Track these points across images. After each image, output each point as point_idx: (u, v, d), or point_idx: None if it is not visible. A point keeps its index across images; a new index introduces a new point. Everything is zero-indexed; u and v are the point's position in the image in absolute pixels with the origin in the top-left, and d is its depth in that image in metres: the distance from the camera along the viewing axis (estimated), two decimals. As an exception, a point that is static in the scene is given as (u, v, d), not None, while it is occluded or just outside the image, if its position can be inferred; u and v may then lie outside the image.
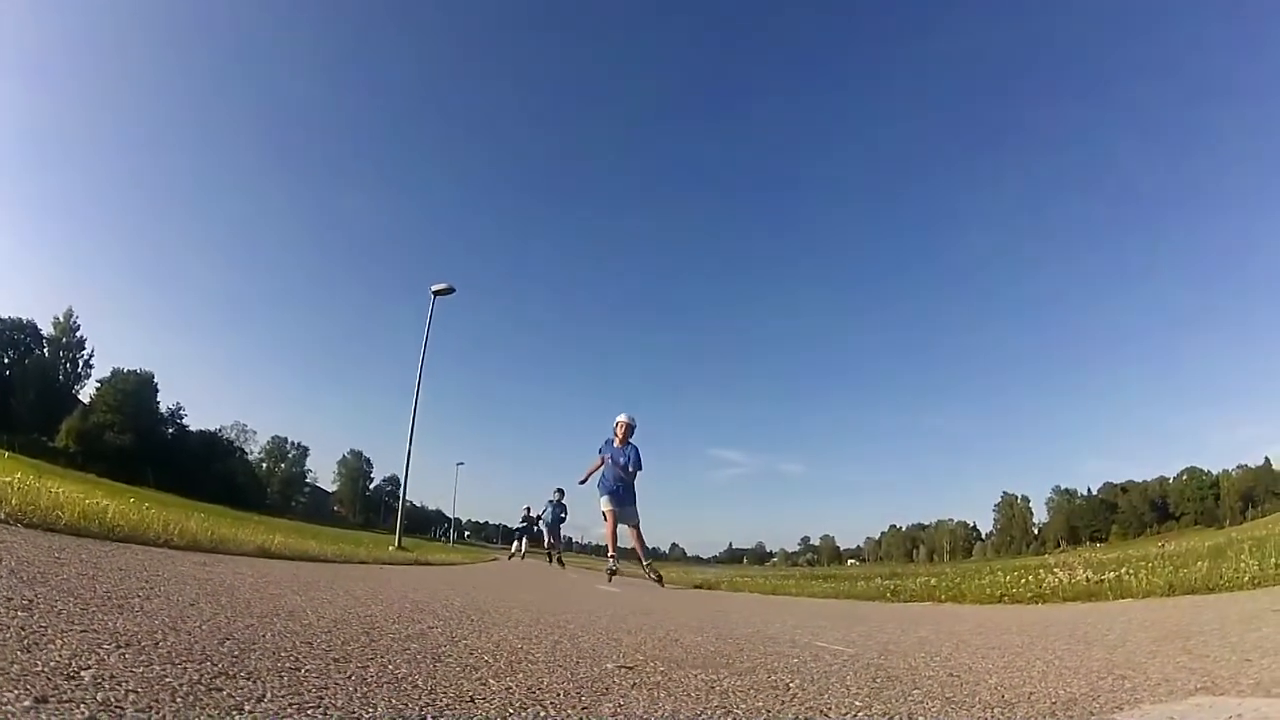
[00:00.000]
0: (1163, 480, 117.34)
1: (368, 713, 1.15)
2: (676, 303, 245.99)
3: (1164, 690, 1.68)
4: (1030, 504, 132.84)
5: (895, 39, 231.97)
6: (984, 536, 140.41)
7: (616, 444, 9.59)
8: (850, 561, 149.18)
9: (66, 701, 0.99)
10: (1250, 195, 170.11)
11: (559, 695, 1.41)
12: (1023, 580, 5.34)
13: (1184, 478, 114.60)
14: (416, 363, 19.96)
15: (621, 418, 9.70)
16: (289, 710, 1.11)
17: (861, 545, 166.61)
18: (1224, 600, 3.55)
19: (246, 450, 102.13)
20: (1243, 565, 4.22)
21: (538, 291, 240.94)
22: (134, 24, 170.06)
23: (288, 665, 1.37)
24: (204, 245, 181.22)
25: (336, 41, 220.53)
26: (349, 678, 1.35)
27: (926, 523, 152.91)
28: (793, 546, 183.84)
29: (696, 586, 9.67)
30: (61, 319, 76.65)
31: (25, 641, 1.24)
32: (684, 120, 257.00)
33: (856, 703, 1.54)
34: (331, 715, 1.12)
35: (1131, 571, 4.84)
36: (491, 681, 1.47)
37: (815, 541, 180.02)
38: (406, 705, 1.22)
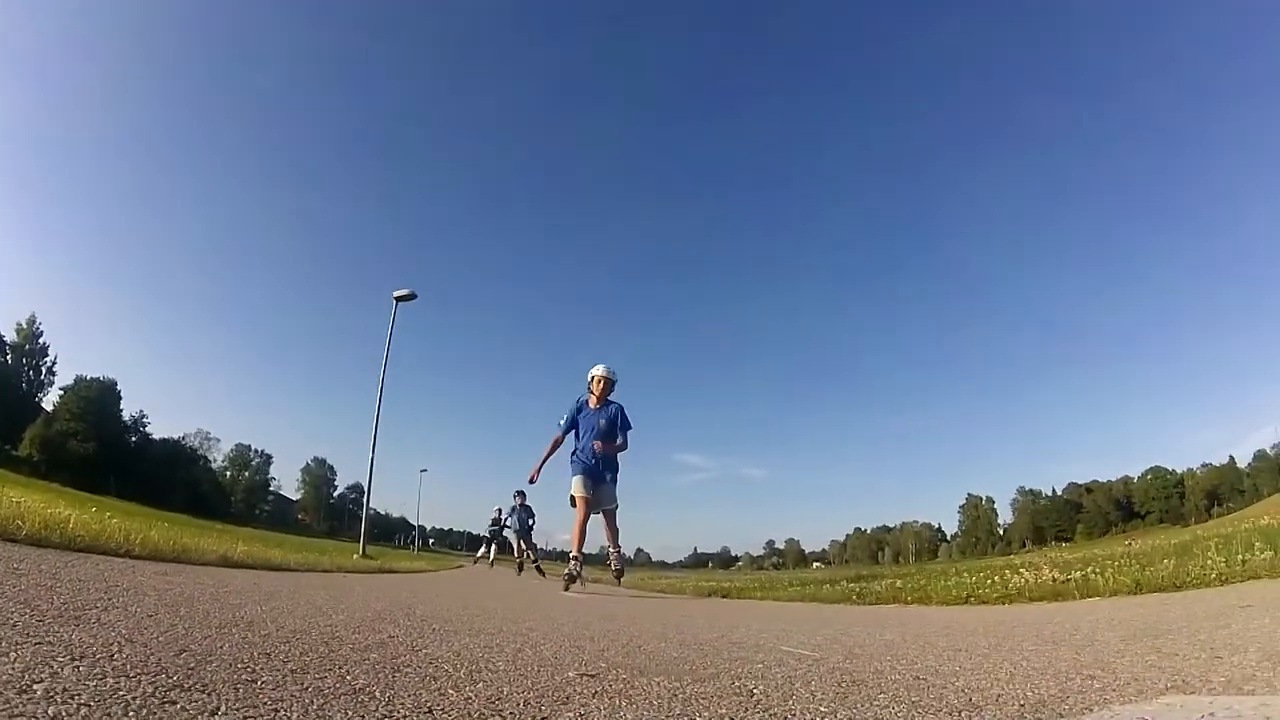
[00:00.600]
0: (1127, 480, 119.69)
1: (324, 724, 1.15)
2: (642, 305, 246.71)
3: (1134, 690, 1.66)
4: (995, 505, 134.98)
5: (895, 38, 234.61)
6: (949, 538, 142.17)
7: (592, 404, 7.61)
8: (815, 564, 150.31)
9: (17, 716, 0.99)
10: (1215, 199, 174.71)
11: (519, 705, 1.41)
12: (989, 581, 5.36)
13: (1149, 477, 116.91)
14: (379, 369, 19.76)
15: (598, 370, 7.67)
16: (244, 723, 1.11)
17: (826, 548, 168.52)
18: (1191, 598, 3.57)
19: (210, 458, 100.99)
20: (1209, 562, 4.25)
21: (499, 295, 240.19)
22: (93, 22, 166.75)
23: (244, 677, 1.36)
24: (165, 248, 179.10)
25: (306, 37, 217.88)
26: (306, 689, 1.34)
27: (891, 525, 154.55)
28: (758, 550, 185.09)
29: (660, 592, 9.19)
30: (25, 325, 74.99)
31: (-24, 656, 1.23)
32: (651, 122, 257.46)
33: (822, 708, 1.53)
34: (287, 727, 1.12)
35: (1098, 570, 4.88)
36: (451, 692, 1.47)
37: (780, 545, 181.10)
38: (364, 717, 1.22)
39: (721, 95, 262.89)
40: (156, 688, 1.20)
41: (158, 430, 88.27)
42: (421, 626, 2.58)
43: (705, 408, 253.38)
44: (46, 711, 1.02)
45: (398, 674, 1.59)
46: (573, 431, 7.66)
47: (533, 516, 17.62)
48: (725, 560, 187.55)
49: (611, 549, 8.05)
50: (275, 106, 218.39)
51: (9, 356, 73.41)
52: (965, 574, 6.84)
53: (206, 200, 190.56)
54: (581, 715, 1.38)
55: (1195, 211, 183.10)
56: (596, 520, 7.48)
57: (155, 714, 1.08)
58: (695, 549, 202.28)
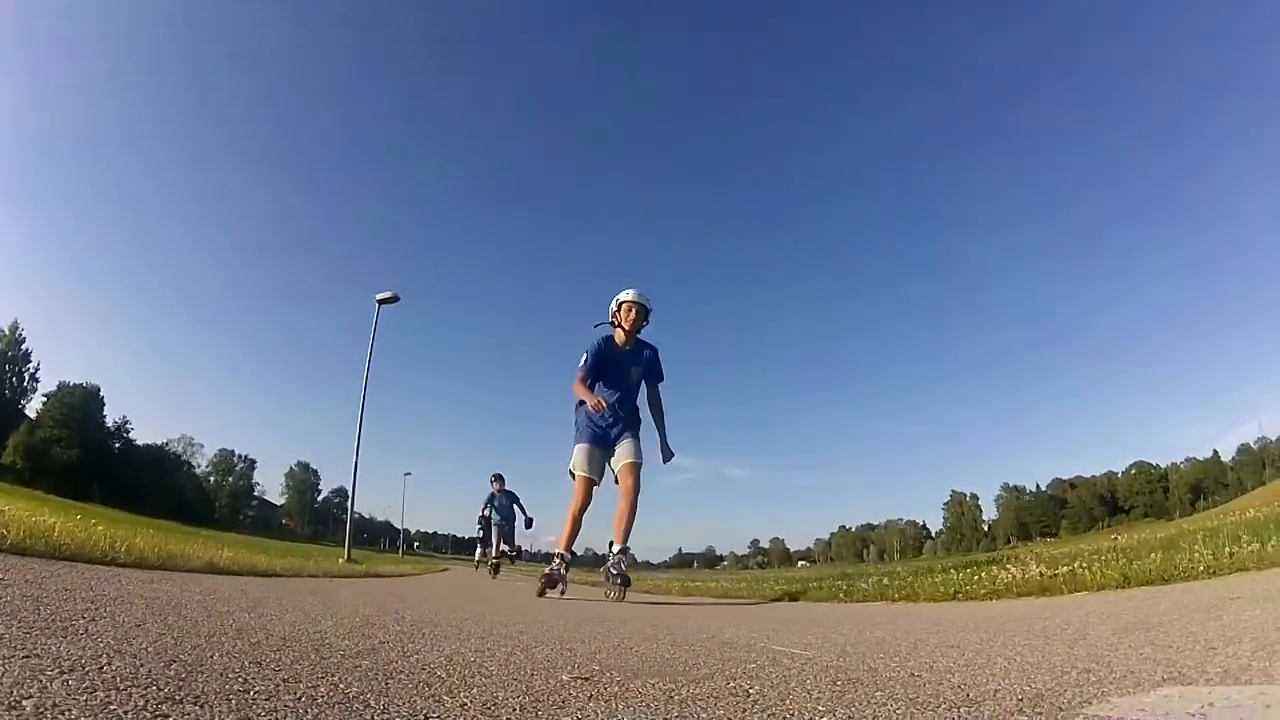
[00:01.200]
0: (1111, 475, 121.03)
1: (319, 734, 1.14)
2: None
3: (1130, 682, 1.66)
4: (979, 501, 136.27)
5: (894, 38, 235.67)
6: (934, 535, 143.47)
7: (620, 340, 5.82)
8: (801, 563, 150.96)
9: (5, 733, 0.97)
10: (1200, 196, 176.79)
11: (515, 710, 1.39)
12: (976, 577, 5.36)
13: (1133, 472, 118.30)
14: (362, 373, 19.72)
15: (627, 295, 5.81)
16: (238, 734, 1.10)
17: (812, 547, 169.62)
18: (1180, 591, 3.56)
19: (194, 464, 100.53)
20: (1196, 555, 4.25)
21: (489, 295, 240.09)
22: (74, 19, 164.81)
23: (236, 687, 1.35)
24: (147, 251, 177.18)
25: (291, 33, 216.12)
26: (299, 699, 1.32)
27: (876, 523, 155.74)
28: (743, 550, 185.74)
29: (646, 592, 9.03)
30: (7, 331, 74.27)
31: (-39, 671, 1.21)
32: (648, 121, 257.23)
33: (820, 707, 1.52)
34: (282, 738, 1.10)
35: (1085, 565, 4.88)
36: (445, 698, 1.45)
37: (765, 544, 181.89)
38: (359, 725, 1.21)
39: (721, 94, 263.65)
40: (148, 700, 1.18)
41: (141, 436, 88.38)
42: (411, 631, 2.56)
43: (690, 407, 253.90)
44: (36, 727, 1.00)
45: (391, 680, 1.57)
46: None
47: (517, 502, 15.87)
48: (710, 560, 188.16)
49: (616, 545, 5.67)
50: (260, 104, 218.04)
51: (-8, 363, 72.82)
52: (952, 570, 6.84)
53: (189, 200, 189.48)
54: (579, 719, 1.37)
55: (1177, 209, 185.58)
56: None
57: (147, 727, 1.07)
58: (680, 549, 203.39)
